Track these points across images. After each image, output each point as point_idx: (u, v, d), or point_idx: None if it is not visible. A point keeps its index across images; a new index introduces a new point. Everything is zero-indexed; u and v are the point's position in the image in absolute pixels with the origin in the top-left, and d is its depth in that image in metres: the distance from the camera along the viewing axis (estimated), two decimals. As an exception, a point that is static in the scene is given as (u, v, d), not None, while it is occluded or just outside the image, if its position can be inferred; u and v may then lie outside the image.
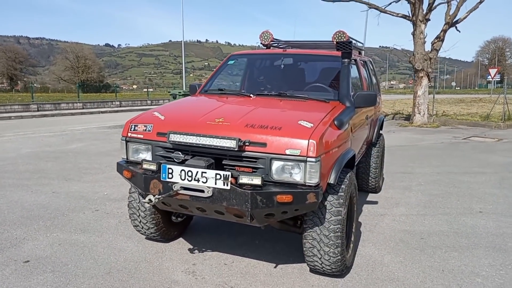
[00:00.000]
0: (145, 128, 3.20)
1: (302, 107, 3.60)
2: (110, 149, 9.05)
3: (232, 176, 2.81)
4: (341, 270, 3.19)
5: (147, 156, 3.18)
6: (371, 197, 5.62)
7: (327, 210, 3.03)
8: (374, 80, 5.86)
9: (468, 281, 3.28)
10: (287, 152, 2.78)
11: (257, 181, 2.75)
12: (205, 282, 3.16)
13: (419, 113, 16.26)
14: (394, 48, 17.57)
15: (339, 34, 4.62)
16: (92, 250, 3.67)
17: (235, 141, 2.80)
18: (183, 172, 2.88)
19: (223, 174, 2.79)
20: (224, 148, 2.84)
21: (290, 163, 2.80)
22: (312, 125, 2.97)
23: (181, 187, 2.89)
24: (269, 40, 4.96)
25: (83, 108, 23.63)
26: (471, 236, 4.24)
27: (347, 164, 3.50)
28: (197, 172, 2.84)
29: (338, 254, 3.06)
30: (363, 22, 22.58)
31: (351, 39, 4.84)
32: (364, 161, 5.53)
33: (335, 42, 4.68)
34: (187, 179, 2.87)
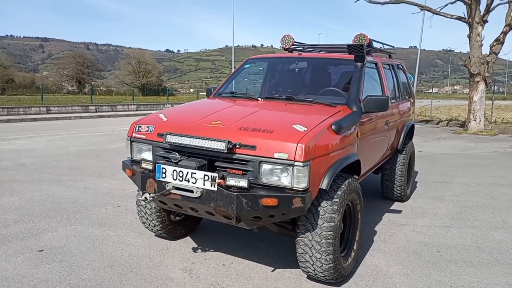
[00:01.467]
0: (147, 129, 3.32)
1: (304, 111, 3.56)
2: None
3: (222, 178, 2.84)
4: (335, 278, 3.10)
5: (149, 155, 3.30)
6: (396, 206, 5.40)
7: (319, 216, 2.97)
8: (403, 85, 5.63)
9: (476, 299, 3.06)
10: (275, 155, 2.77)
11: (243, 183, 2.76)
12: (198, 281, 3.21)
13: (475, 120, 15.31)
14: (448, 51, 16.68)
15: (360, 37, 4.52)
16: (102, 243, 3.86)
17: (224, 143, 2.83)
18: (175, 172, 2.96)
19: (211, 176, 2.83)
20: (214, 150, 2.88)
21: (278, 167, 2.78)
22: (305, 129, 2.93)
23: (173, 186, 2.97)
24: (290, 44, 4.95)
25: (136, 110, 24.81)
26: (495, 251, 3.94)
27: (348, 170, 3.41)
28: (187, 172, 2.91)
29: (330, 262, 2.98)
30: (426, 23, 21.69)
31: (372, 42, 4.72)
32: (389, 169, 5.33)
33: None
34: (179, 179, 2.95)
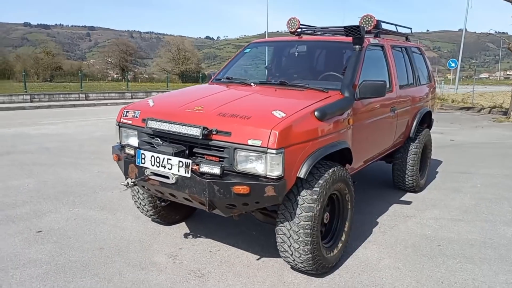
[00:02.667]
0: (134, 114, 3.34)
1: (292, 97, 3.45)
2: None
3: (197, 165, 2.81)
4: (316, 269, 3.01)
5: (135, 141, 3.32)
6: (407, 196, 5.17)
7: (298, 205, 2.88)
8: (419, 69, 5.32)
9: (466, 297, 2.88)
10: (249, 142, 2.69)
11: (216, 170, 2.72)
12: (180, 266, 3.23)
13: (518, 107, 14.39)
14: (491, 34, 15.68)
15: (366, 19, 4.32)
16: (98, 226, 3.97)
17: (199, 129, 2.79)
18: (153, 158, 2.96)
19: (185, 162, 2.81)
20: (190, 136, 2.85)
21: (252, 154, 2.71)
22: (284, 115, 2.83)
23: (151, 172, 2.98)
24: (296, 27, 4.79)
25: (172, 97, 25.29)
26: (502, 248, 3.69)
27: (339, 158, 3.30)
28: (164, 158, 2.90)
29: (309, 252, 2.90)
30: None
31: (380, 23, 4.50)
32: (400, 158, 5.09)
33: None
34: (156, 165, 2.95)
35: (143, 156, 3.02)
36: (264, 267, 3.26)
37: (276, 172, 2.67)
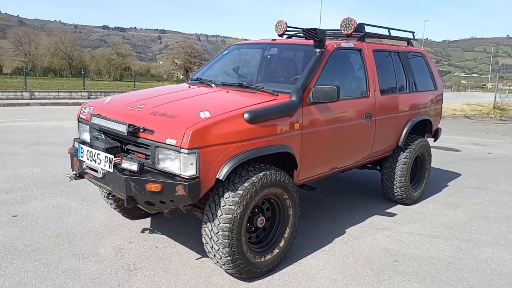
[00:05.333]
0: (88, 110, 3.52)
1: (235, 98, 3.44)
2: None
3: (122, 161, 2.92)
4: (239, 272, 2.98)
5: (87, 136, 3.49)
6: (395, 208, 4.89)
7: (220, 207, 2.87)
8: (417, 75, 5.01)
9: (389, 318, 2.69)
10: (167, 141, 2.74)
11: (134, 167, 2.80)
12: (120, 259, 3.33)
13: None
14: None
15: (346, 22, 4.22)
16: (69, 215, 4.21)
17: (125, 126, 2.88)
18: (88, 152, 3.11)
19: (109, 157, 2.92)
20: (119, 132, 2.95)
21: (169, 153, 2.75)
22: (208, 115, 2.84)
23: (86, 166, 3.13)
24: (283, 29, 4.75)
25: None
26: (466, 270, 3.39)
27: (287, 163, 3.27)
28: (95, 153, 3.04)
29: (227, 255, 2.87)
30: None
31: (363, 26, 4.36)
32: (389, 167, 4.84)
33: (342, 31, 4.29)
34: (90, 159, 3.09)
35: (82, 150, 3.18)
36: (198, 267, 3.27)
37: (189, 171, 2.68)
